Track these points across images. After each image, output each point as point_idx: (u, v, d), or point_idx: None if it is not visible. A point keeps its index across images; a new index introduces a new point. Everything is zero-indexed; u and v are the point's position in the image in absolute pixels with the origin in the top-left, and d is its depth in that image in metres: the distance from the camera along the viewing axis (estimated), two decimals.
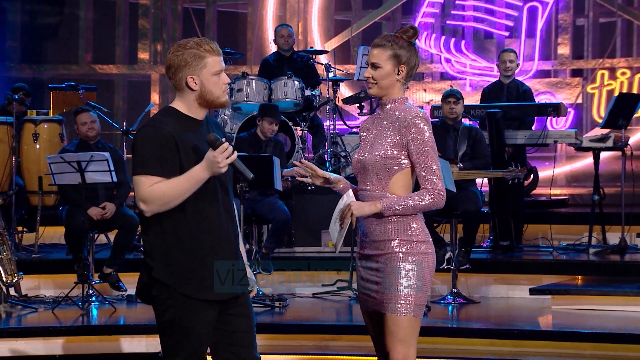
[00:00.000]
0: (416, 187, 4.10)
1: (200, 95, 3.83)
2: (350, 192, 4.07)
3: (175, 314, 3.80)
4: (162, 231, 3.79)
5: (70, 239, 7.92)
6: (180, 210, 3.77)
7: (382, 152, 4.03)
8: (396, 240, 4.02)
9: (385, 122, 4.10)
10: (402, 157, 4.03)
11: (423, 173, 4.00)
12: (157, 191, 3.71)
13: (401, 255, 4.01)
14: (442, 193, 4.00)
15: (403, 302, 3.98)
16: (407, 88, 4.27)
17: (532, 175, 9.89)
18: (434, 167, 4.00)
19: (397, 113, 4.06)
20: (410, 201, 3.99)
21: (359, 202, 4.02)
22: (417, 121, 4.00)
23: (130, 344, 7.05)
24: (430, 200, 3.99)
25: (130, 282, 7.92)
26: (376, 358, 4.23)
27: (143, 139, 3.78)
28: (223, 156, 3.70)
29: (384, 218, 4.02)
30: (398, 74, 4.07)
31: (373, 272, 4.08)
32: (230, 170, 3.84)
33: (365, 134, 4.19)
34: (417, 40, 4.15)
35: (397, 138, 4.02)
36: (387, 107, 4.12)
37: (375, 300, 4.07)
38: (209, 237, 3.81)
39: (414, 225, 4.04)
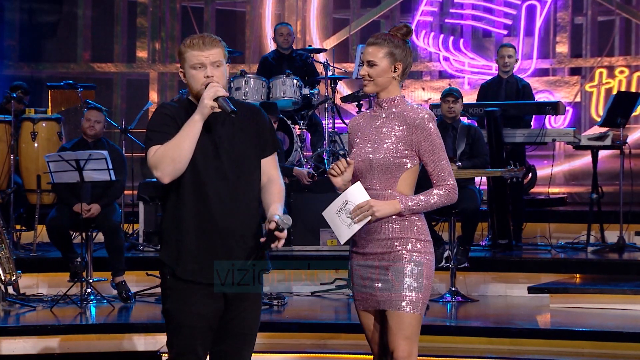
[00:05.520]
0: (418, 184, 4.11)
1: (188, 88, 3.94)
2: (360, 184, 4.02)
3: (170, 304, 3.89)
4: (165, 217, 3.91)
5: (51, 237, 7.88)
6: (180, 197, 3.83)
7: (391, 150, 4.03)
8: (400, 239, 4.03)
9: (386, 121, 4.09)
10: (410, 156, 4.04)
11: (436, 170, 4.05)
12: (159, 153, 3.78)
13: (405, 254, 4.03)
14: (455, 188, 4.06)
15: (408, 300, 3.99)
16: (402, 87, 4.26)
17: (530, 174, 9.89)
18: (445, 163, 4.05)
19: (403, 112, 4.06)
20: (429, 199, 4.02)
21: (377, 201, 3.99)
22: (427, 122, 4.02)
23: (129, 342, 7.05)
24: (446, 196, 4.04)
25: (129, 280, 7.92)
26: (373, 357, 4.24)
27: (149, 122, 3.91)
28: (209, 92, 3.77)
29: (390, 217, 4.02)
30: (394, 72, 4.08)
31: (374, 270, 4.07)
32: (250, 165, 3.89)
33: (360, 132, 4.17)
34: (415, 39, 4.15)
35: (406, 137, 4.03)
36: (385, 105, 4.12)
37: (377, 298, 4.06)
38: (197, 223, 3.83)
39: (418, 224, 4.06)
